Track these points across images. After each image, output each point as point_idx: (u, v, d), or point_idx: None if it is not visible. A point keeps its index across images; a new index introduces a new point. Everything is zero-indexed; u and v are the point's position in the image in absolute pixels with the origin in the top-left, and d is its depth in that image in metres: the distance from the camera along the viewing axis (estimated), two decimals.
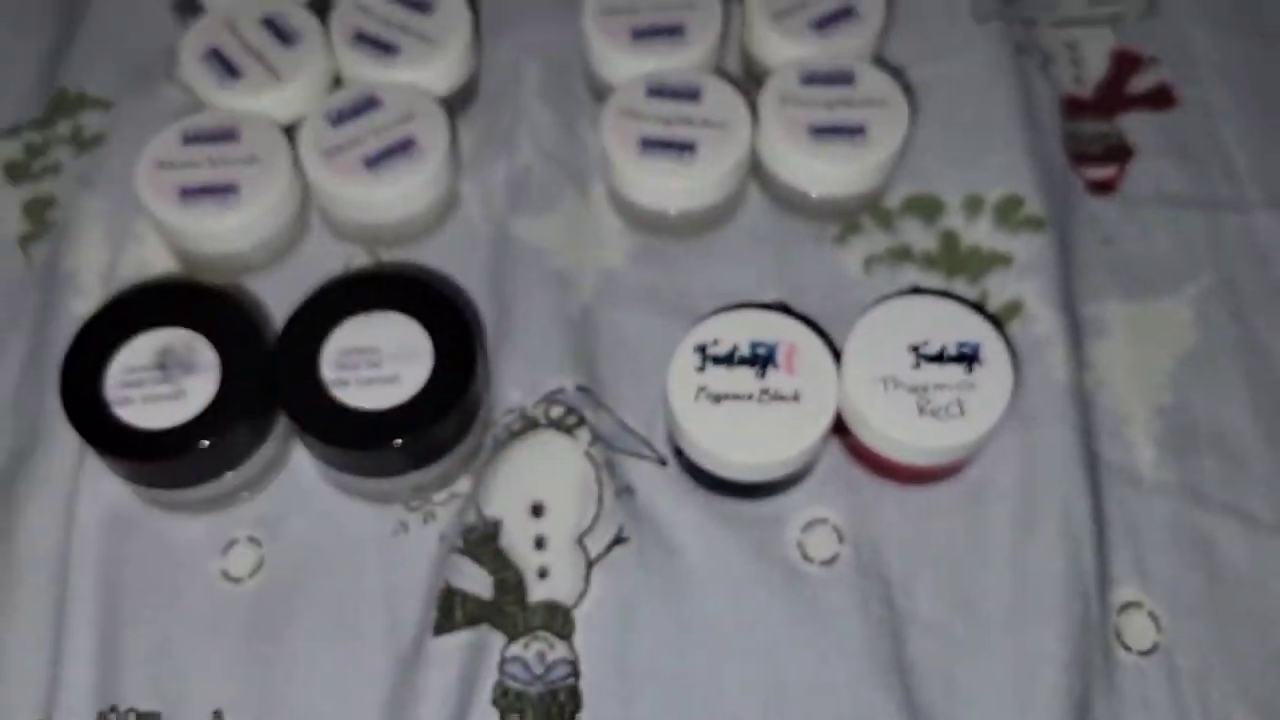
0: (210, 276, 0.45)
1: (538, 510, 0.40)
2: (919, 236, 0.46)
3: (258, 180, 0.44)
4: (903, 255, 0.46)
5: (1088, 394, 0.43)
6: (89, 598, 0.39)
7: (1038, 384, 0.42)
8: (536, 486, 0.41)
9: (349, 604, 0.40)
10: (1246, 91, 0.51)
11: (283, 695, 0.39)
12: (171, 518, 0.41)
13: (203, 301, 0.41)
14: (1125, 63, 0.52)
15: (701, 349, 0.40)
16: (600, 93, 0.49)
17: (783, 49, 0.47)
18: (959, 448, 0.39)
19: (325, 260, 0.46)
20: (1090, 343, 0.44)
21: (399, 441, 0.38)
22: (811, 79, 0.46)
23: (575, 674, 0.38)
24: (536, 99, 0.49)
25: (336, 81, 0.48)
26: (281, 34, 0.47)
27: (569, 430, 0.42)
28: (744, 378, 0.40)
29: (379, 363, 0.39)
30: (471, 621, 0.39)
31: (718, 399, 0.39)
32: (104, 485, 0.41)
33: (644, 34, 0.47)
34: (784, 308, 0.44)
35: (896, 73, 0.49)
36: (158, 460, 0.38)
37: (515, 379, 0.43)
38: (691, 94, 0.46)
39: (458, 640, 0.39)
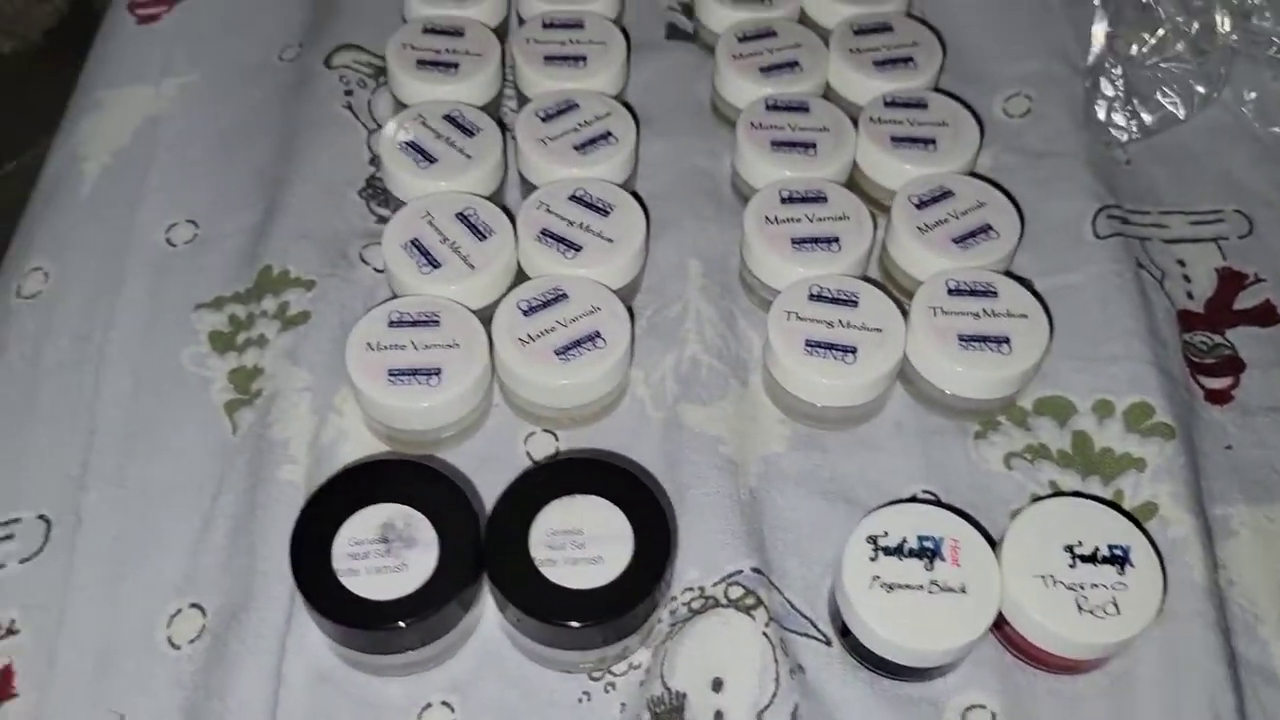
0: (404, 449, 0.49)
1: (717, 685, 0.43)
2: (1053, 436, 0.50)
3: (459, 363, 0.48)
4: (1040, 453, 0.50)
5: (1222, 593, 0.47)
6: None
7: (1177, 582, 0.46)
8: (718, 663, 0.43)
9: None
10: None
11: None
12: (369, 679, 0.44)
13: (419, 478, 0.45)
14: (1231, 280, 0.57)
15: (873, 540, 0.44)
16: (753, 288, 0.54)
17: (926, 261, 0.52)
18: (1116, 644, 0.42)
19: (507, 436, 0.50)
20: (1220, 543, 0.48)
21: (602, 618, 0.41)
22: (958, 290, 0.51)
23: None
24: (699, 294, 0.54)
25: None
26: (474, 228, 0.52)
27: (748, 610, 0.45)
28: (914, 569, 0.43)
29: (583, 544, 0.43)
30: None
31: (890, 588, 0.43)
32: (309, 646, 0.44)
33: (803, 242, 0.52)
34: (937, 501, 0.48)
35: (1026, 283, 0.54)
36: (381, 629, 0.41)
37: (694, 558, 0.46)
38: (850, 300, 0.50)
39: None
